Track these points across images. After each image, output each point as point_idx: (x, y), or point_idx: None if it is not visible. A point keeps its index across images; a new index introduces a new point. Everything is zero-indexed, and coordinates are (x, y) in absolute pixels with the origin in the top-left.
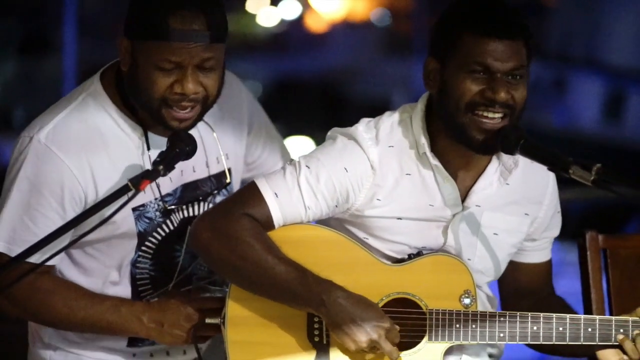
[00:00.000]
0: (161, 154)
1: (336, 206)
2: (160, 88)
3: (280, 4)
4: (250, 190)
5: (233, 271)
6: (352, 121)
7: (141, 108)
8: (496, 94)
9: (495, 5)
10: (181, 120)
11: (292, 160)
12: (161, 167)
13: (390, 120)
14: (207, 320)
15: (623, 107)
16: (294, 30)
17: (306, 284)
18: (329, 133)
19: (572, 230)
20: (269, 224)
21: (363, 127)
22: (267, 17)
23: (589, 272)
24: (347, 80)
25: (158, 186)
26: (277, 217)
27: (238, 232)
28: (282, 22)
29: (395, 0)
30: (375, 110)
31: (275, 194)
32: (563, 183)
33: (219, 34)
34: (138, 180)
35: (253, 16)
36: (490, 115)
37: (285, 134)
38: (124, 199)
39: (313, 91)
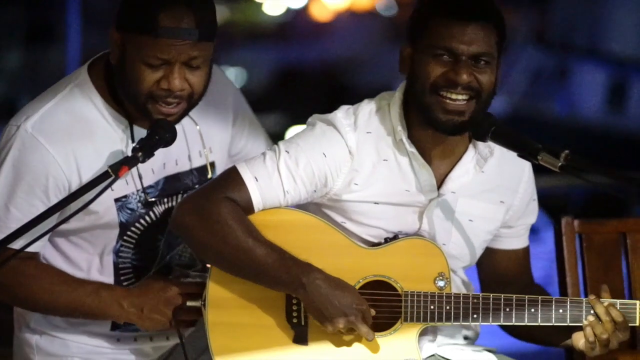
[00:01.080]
0: (140, 141)
1: (315, 191)
2: (147, 83)
3: None
4: (231, 175)
5: (214, 253)
6: None
7: (128, 101)
8: (458, 76)
9: None
10: (166, 115)
11: (272, 146)
12: (140, 153)
13: (368, 107)
14: (188, 303)
15: (625, 96)
16: (299, 19)
17: (285, 266)
18: (309, 119)
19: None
20: (249, 207)
21: (342, 114)
22: (273, 6)
23: (565, 256)
24: (352, 69)
25: (140, 178)
26: (257, 200)
27: (219, 215)
28: (288, 11)
29: None
30: None
31: (255, 178)
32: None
33: (207, 33)
34: (118, 167)
35: (259, 5)
36: (454, 96)
37: (290, 123)
38: (112, 189)
39: (318, 80)
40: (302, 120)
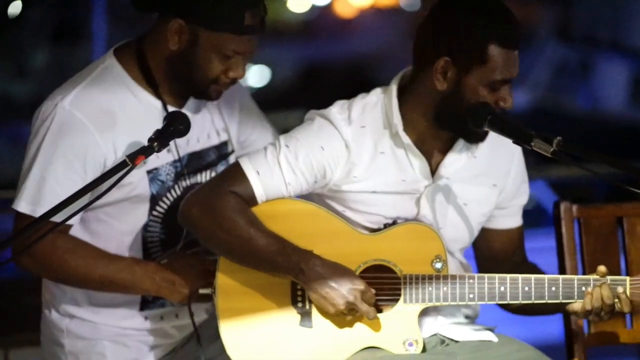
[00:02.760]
0: (156, 132)
1: (315, 182)
2: (216, 71)
3: None
4: (234, 169)
5: (220, 244)
6: None
7: (185, 83)
8: (506, 104)
9: (511, 15)
10: (221, 92)
11: (273, 140)
12: (155, 143)
13: (362, 102)
14: (200, 291)
15: None
16: (323, 16)
17: (285, 254)
18: (307, 115)
19: None
20: (252, 199)
21: (337, 109)
22: (298, 3)
23: (564, 240)
24: (376, 65)
25: (176, 147)
26: (259, 193)
27: (223, 208)
28: (313, 8)
29: None
30: None
31: (257, 171)
32: None
33: (265, 26)
34: (134, 156)
35: (284, 2)
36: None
37: None
38: (143, 164)
39: (342, 76)
40: None
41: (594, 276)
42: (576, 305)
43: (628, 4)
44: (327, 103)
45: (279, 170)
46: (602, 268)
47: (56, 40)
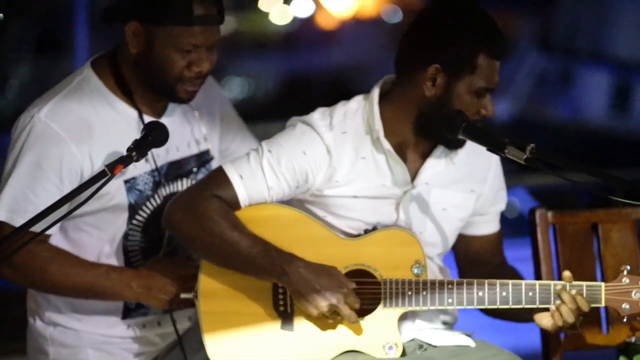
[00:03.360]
0: (135, 142)
1: (297, 187)
2: (178, 67)
3: (293, 2)
4: (217, 174)
5: (203, 247)
6: None
7: (152, 86)
8: (488, 112)
9: (497, 26)
10: (192, 92)
11: (256, 146)
12: (134, 153)
13: (344, 109)
14: (182, 295)
15: (629, 99)
16: (305, 28)
17: (269, 256)
18: (289, 121)
19: None
20: (235, 203)
21: (318, 115)
22: (279, 15)
23: (539, 246)
24: (359, 78)
25: (154, 158)
26: (242, 197)
27: (207, 212)
28: (295, 20)
29: None
30: None
31: (240, 176)
32: None
33: (223, 16)
34: (113, 165)
35: (266, 14)
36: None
37: None
38: (121, 174)
39: (325, 88)
40: None
41: (570, 282)
42: (545, 322)
43: (608, 14)
44: (308, 113)
45: (262, 174)
46: (566, 273)
47: (38, 53)
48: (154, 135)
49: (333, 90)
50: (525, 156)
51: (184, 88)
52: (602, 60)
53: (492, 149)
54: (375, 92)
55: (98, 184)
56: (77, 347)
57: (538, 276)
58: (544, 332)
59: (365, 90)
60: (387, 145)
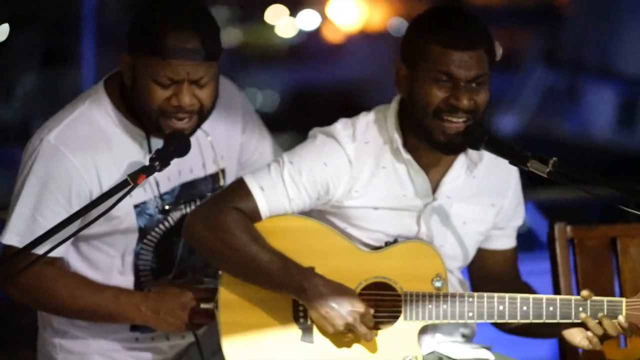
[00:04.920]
0: (157, 152)
1: (317, 198)
2: (158, 100)
3: (299, 15)
4: (238, 186)
5: (223, 260)
6: None
7: (142, 117)
8: (459, 102)
9: (457, 18)
10: (179, 130)
11: (277, 157)
12: (157, 163)
13: (365, 120)
14: (202, 306)
15: (636, 115)
16: (312, 41)
17: (288, 272)
18: (310, 132)
19: None
20: (256, 215)
21: (341, 126)
22: (285, 28)
23: (558, 260)
24: (365, 91)
25: (157, 185)
26: (263, 209)
27: (227, 224)
28: (300, 33)
29: (411, 9)
30: None
31: (261, 187)
32: None
33: (212, 53)
34: (136, 175)
35: (272, 27)
36: (454, 119)
37: None
38: (131, 196)
39: (331, 101)
40: None
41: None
42: (578, 340)
43: (615, 29)
44: (316, 126)
45: (283, 186)
46: (584, 293)
47: (45, 65)
48: (176, 145)
49: (339, 104)
50: (548, 169)
51: (168, 123)
52: (608, 76)
53: (514, 162)
54: (395, 102)
55: (121, 193)
56: (86, 354)
57: (557, 290)
58: (562, 347)
59: (372, 105)
60: (406, 155)
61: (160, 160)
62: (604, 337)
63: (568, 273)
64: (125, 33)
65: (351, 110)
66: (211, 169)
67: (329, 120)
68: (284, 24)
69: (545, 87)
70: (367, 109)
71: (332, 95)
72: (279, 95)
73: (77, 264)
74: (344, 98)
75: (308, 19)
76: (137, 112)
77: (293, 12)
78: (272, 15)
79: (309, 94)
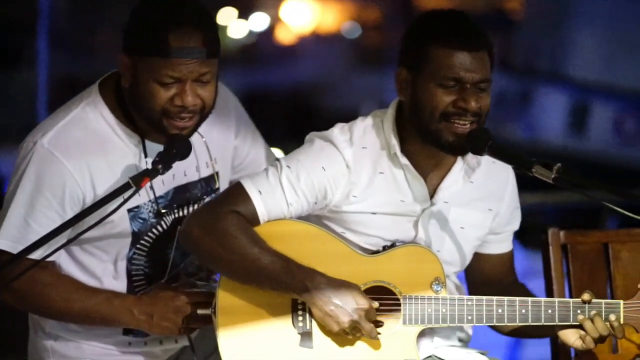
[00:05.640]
0: (159, 154)
1: (315, 203)
2: (161, 101)
3: (250, 17)
4: (236, 189)
5: (223, 264)
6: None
7: (142, 119)
8: (467, 104)
9: (461, 19)
10: (181, 128)
11: (274, 162)
12: (160, 166)
13: (363, 124)
14: (199, 312)
15: (587, 120)
16: (263, 42)
17: (290, 272)
18: (307, 137)
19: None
20: (254, 219)
21: (338, 130)
22: (236, 29)
23: (551, 265)
24: (317, 93)
25: (152, 188)
26: (262, 213)
27: (226, 228)
28: (251, 34)
29: (364, 12)
30: (345, 121)
31: (260, 191)
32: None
33: (213, 50)
34: (139, 178)
35: (223, 28)
36: (462, 122)
37: None
38: (122, 198)
39: (283, 103)
40: (268, 143)
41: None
42: (572, 340)
43: (567, 35)
44: (266, 129)
45: (281, 190)
46: (585, 297)
47: None
48: (178, 148)
49: (291, 106)
50: (553, 175)
51: (171, 124)
52: (560, 82)
53: (518, 167)
54: (392, 107)
55: (123, 198)
56: (78, 358)
57: (549, 295)
58: (554, 348)
59: (326, 107)
60: (404, 160)
61: (163, 163)
62: (599, 340)
63: (561, 278)
64: (78, 32)
65: (302, 112)
66: (205, 172)
67: (281, 122)
68: (235, 25)
69: (497, 92)
70: (319, 111)
71: (285, 97)
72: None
73: (70, 269)
74: (297, 100)
75: (259, 20)
76: (135, 114)
77: (244, 14)
78: (224, 16)
79: (260, 96)
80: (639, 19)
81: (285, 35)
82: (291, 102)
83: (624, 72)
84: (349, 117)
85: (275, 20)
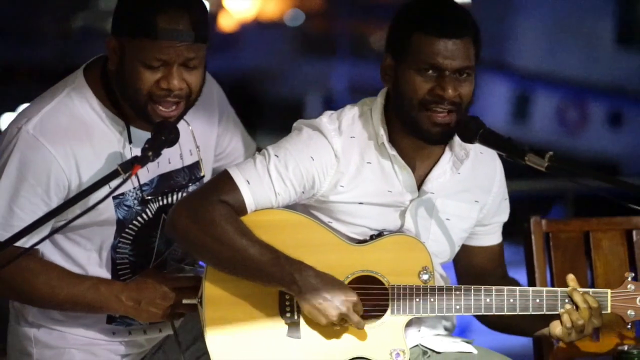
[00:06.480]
0: (148, 141)
1: (303, 192)
2: (147, 84)
3: None
4: (223, 179)
5: (210, 254)
6: (264, 121)
7: (128, 104)
8: (445, 92)
9: (444, 6)
10: (166, 117)
11: (261, 150)
12: (150, 153)
13: (351, 113)
14: (185, 301)
15: (529, 108)
16: None
17: (279, 264)
18: (294, 124)
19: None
20: (242, 209)
21: (327, 119)
22: None
23: (534, 253)
24: (260, 80)
25: (137, 176)
26: (249, 202)
27: (214, 218)
28: None
29: (307, 0)
30: (289, 110)
31: (247, 181)
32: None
33: (202, 34)
34: (129, 165)
35: None
36: (440, 109)
37: None
38: (110, 187)
39: (226, 90)
40: None
41: (576, 288)
42: (557, 330)
43: (510, 25)
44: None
45: (269, 179)
46: (571, 276)
47: None
48: (167, 134)
49: (233, 93)
50: (546, 164)
51: (156, 111)
52: (503, 71)
53: (511, 156)
54: (381, 95)
55: (114, 185)
56: (62, 348)
57: (532, 283)
58: (536, 339)
59: (267, 95)
60: (392, 150)
61: (153, 150)
62: (581, 331)
63: (543, 267)
64: (17, 18)
65: (246, 100)
66: (188, 160)
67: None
68: None
69: None
70: (261, 99)
71: (227, 85)
72: None
73: (55, 258)
74: (239, 88)
75: None
76: (121, 98)
77: None
78: None
79: None
80: (581, 8)
81: (227, 22)
82: (235, 90)
83: (567, 62)
84: (292, 104)
85: (217, 6)
